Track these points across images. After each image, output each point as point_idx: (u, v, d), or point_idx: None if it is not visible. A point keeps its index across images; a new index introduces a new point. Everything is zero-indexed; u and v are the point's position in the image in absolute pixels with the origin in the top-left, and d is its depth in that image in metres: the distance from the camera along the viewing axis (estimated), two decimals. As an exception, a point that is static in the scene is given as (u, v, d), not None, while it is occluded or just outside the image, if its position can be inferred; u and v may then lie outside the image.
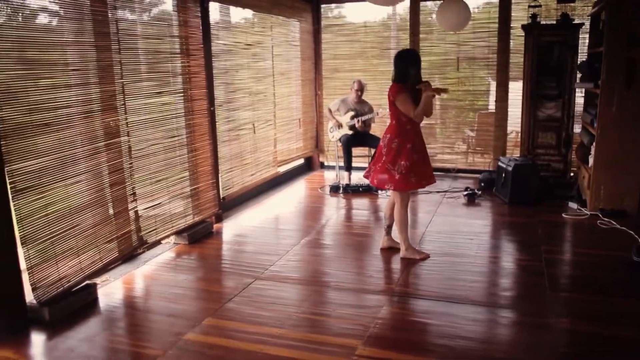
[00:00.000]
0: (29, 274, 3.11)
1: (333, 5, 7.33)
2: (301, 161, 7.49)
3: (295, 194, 6.30)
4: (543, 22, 6.09)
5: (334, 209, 5.62)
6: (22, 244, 3.08)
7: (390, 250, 4.17)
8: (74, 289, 3.38)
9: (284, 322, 3.05)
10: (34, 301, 3.14)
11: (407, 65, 3.85)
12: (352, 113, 6.38)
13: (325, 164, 7.72)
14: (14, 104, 3.02)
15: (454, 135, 7.12)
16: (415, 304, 3.34)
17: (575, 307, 3.22)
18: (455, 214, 5.29)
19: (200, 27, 4.67)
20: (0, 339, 2.94)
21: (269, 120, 6.20)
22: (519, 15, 6.38)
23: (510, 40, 6.48)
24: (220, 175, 5.18)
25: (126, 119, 3.89)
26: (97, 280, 3.70)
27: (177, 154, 4.51)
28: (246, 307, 3.28)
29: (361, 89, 6.38)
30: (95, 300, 3.46)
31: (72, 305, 3.29)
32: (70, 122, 3.39)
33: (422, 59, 6.78)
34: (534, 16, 5.99)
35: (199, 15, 4.64)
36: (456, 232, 4.69)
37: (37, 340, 3.01)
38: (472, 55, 6.71)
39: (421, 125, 4.11)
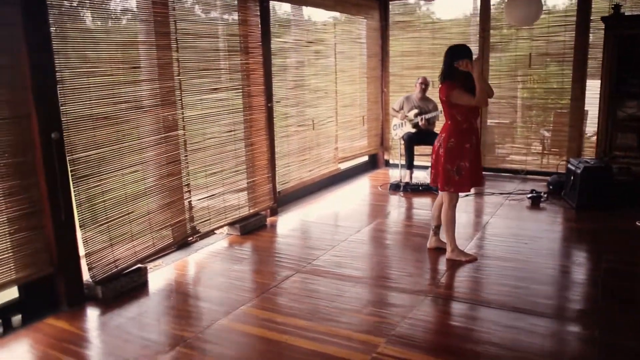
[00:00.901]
0: (86, 254, 3.40)
1: (422, 1, 7.20)
2: (365, 158, 7.49)
3: (355, 191, 6.31)
4: (627, 14, 5.64)
5: (390, 207, 5.57)
6: (80, 226, 3.37)
7: (437, 251, 4.08)
8: (126, 271, 3.63)
9: (314, 315, 3.10)
10: (90, 280, 3.42)
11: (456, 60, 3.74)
12: (415, 111, 6.29)
13: (390, 162, 7.65)
14: (77, 99, 3.30)
15: (533, 136, 6.75)
16: (450, 307, 3.26)
17: (623, 322, 2.99)
18: (515, 217, 5.06)
19: (259, 26, 4.81)
20: (59, 310, 3.25)
21: (330, 117, 6.26)
22: (600, 7, 5.95)
23: (590, 35, 6.07)
24: (277, 170, 5.32)
25: (182, 113, 4.12)
26: (150, 265, 3.96)
27: (233, 148, 4.68)
28: (281, 299, 3.37)
29: (426, 83, 6.27)
30: (145, 282, 3.70)
31: (123, 286, 3.54)
32: (128, 116, 3.65)
33: (493, 55, 6.60)
34: (616, 7, 5.56)
35: (258, 14, 4.78)
36: (512, 235, 4.49)
37: (90, 315, 3.27)
38: (545, 51, 6.35)
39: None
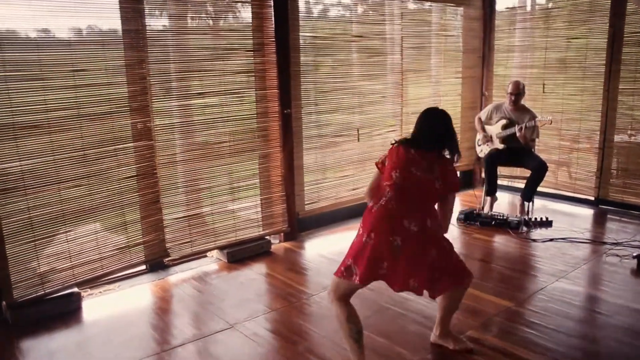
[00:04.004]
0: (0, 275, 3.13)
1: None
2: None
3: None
4: None
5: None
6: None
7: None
8: (55, 295, 3.29)
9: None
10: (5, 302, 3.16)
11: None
12: (504, 122, 4.92)
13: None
14: (-5, 105, 3.03)
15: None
16: None
17: None
18: (599, 284, 3.54)
19: (273, 19, 4.08)
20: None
21: (392, 125, 5.22)
22: None
23: None
24: (304, 187, 4.57)
25: (151, 121, 3.63)
26: (100, 289, 3.59)
27: (229, 162, 4.06)
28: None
29: (517, 91, 4.85)
30: (77, 309, 3.32)
31: (44, 312, 3.21)
32: (68, 125, 3.27)
33: (627, 50, 4.78)
34: None
35: (272, 4, 4.06)
36: (567, 317, 3.06)
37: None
38: None
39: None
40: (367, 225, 2.48)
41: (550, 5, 5.37)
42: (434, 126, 2.54)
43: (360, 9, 4.87)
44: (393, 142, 2.60)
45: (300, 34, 4.36)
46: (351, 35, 4.76)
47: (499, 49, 5.88)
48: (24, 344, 2.95)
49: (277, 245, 4.41)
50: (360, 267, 2.43)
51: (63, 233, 3.35)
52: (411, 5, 5.24)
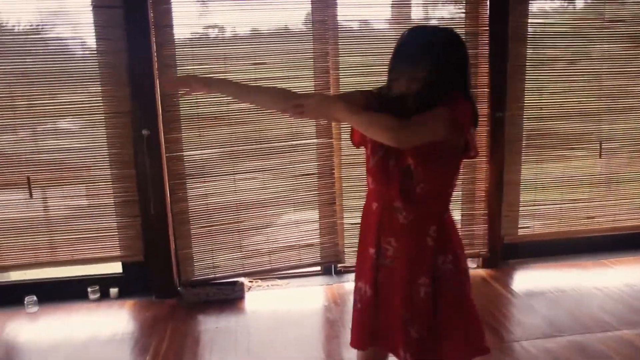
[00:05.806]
0: (179, 254, 3.38)
1: None
2: None
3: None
4: None
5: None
6: (178, 226, 3.35)
7: None
8: (220, 281, 3.40)
9: None
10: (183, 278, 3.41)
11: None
12: None
13: None
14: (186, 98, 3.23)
15: None
16: None
17: None
18: None
19: (488, 2, 3.40)
20: (147, 296, 3.39)
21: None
22: None
23: None
24: (510, 206, 3.76)
25: (332, 118, 3.41)
26: (269, 283, 3.60)
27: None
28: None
29: None
30: (240, 298, 3.38)
31: (208, 294, 3.34)
32: (248, 118, 3.31)
33: None
34: None
35: (488, -17, 3.38)
36: None
37: (153, 311, 3.25)
38: None
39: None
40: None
41: None
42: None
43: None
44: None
45: (529, 20, 3.53)
46: (603, 19, 3.65)
47: None
48: (194, 320, 3.14)
49: (472, 271, 3.71)
50: None
51: (236, 223, 3.42)
52: None
